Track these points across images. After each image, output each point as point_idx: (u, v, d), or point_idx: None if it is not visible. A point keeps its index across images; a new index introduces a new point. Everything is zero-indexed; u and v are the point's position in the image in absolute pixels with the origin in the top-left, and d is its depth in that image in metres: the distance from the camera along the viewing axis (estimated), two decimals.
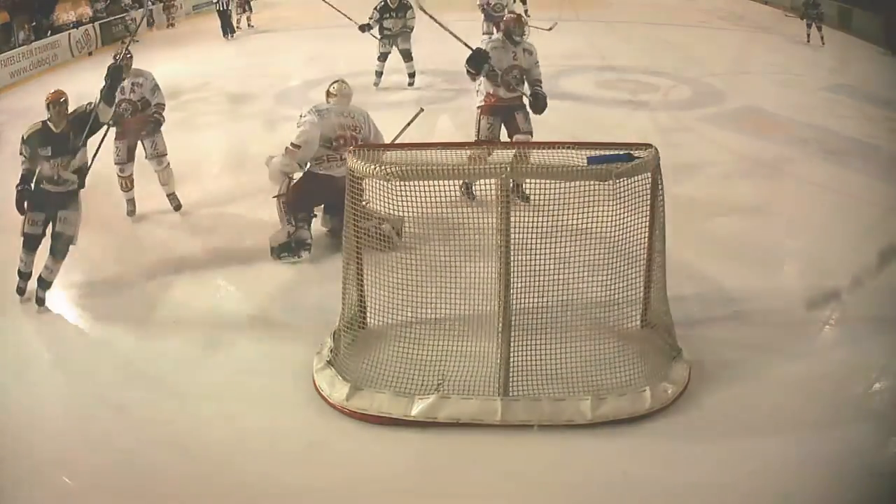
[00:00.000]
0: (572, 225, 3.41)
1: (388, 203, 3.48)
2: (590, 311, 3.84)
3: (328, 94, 5.18)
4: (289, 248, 5.01)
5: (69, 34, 14.12)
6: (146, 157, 5.82)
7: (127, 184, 5.81)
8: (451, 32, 6.15)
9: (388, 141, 5.28)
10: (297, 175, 5.19)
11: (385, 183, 3.44)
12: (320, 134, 4.98)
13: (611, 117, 8.42)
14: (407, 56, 9.77)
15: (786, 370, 3.79)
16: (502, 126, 5.81)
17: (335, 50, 12.63)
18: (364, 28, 9.79)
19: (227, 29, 14.70)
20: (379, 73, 9.76)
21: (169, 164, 5.89)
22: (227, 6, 14.57)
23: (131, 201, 5.87)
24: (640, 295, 3.83)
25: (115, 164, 5.71)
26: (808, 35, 12.56)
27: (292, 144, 4.97)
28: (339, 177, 4.74)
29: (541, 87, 5.71)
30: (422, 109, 5.81)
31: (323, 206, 5.30)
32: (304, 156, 5.01)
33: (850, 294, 4.55)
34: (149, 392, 3.78)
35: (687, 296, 4.35)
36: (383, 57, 9.77)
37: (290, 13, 17.46)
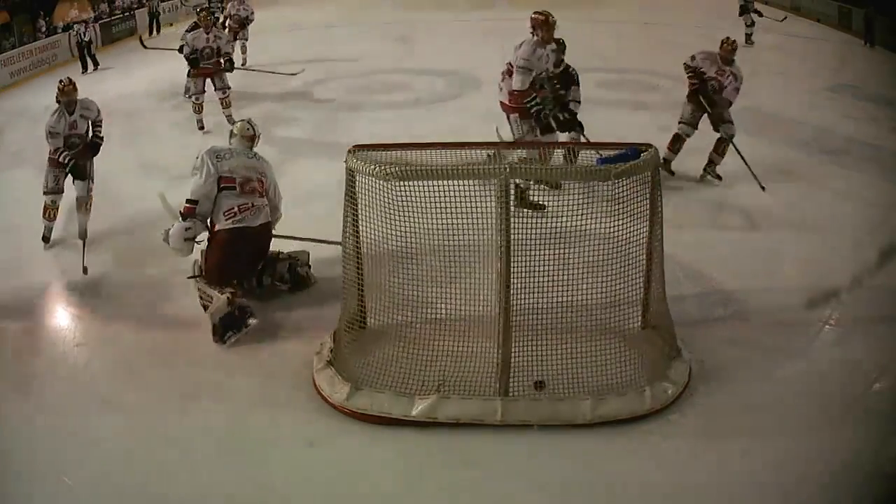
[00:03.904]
0: (572, 225, 3.41)
1: (388, 204, 3.48)
2: (590, 311, 3.84)
3: (231, 134, 4.69)
4: (234, 322, 4.18)
5: (69, 34, 14.14)
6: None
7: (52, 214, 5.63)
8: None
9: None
10: (204, 239, 4.46)
11: (384, 183, 3.44)
12: (219, 179, 4.33)
13: (611, 117, 8.41)
14: None
15: (786, 370, 3.79)
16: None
17: (335, 50, 12.66)
18: None
19: (86, 62, 12.83)
20: None
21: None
22: (85, 37, 12.90)
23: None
24: (640, 295, 3.83)
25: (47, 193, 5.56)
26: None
27: (188, 201, 4.31)
28: (257, 226, 4.36)
29: None
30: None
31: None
32: (205, 209, 4.33)
33: (850, 294, 4.55)
34: (148, 392, 3.78)
35: (687, 296, 4.36)
36: None
37: (291, 12, 17.49)
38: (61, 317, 4.66)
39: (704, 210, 5.68)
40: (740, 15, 13.09)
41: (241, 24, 11.35)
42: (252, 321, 4.22)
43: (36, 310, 4.72)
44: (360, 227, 3.78)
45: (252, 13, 11.54)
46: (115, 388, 3.84)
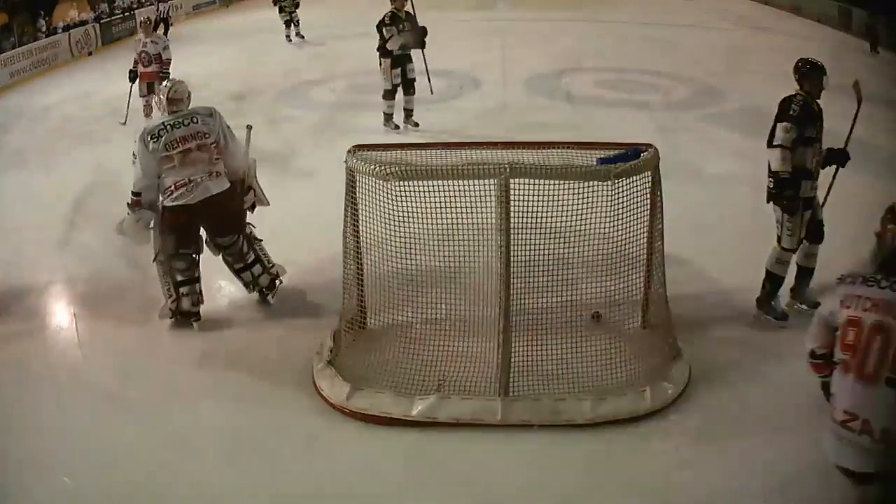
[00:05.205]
0: (572, 225, 3.41)
1: (388, 204, 3.48)
2: (590, 310, 3.85)
3: (168, 101, 4.24)
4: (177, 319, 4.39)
5: (69, 34, 14.14)
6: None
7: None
8: None
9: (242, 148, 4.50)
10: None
11: (384, 183, 3.44)
12: (158, 161, 4.12)
13: (611, 117, 8.42)
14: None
15: (786, 370, 3.78)
16: None
17: (336, 49, 12.66)
18: None
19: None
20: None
21: None
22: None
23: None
24: (640, 295, 3.84)
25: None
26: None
27: (133, 193, 4.20)
28: (196, 203, 4.13)
29: None
30: (249, 126, 4.65)
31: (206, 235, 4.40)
32: (151, 197, 4.21)
33: None
34: (149, 392, 3.78)
35: (687, 296, 4.35)
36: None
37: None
38: (62, 316, 4.66)
39: (705, 210, 5.68)
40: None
41: (159, 70, 8.43)
42: (195, 325, 4.37)
43: (37, 309, 4.73)
44: (360, 227, 3.78)
45: (167, 47, 8.75)
46: (116, 386, 3.85)
